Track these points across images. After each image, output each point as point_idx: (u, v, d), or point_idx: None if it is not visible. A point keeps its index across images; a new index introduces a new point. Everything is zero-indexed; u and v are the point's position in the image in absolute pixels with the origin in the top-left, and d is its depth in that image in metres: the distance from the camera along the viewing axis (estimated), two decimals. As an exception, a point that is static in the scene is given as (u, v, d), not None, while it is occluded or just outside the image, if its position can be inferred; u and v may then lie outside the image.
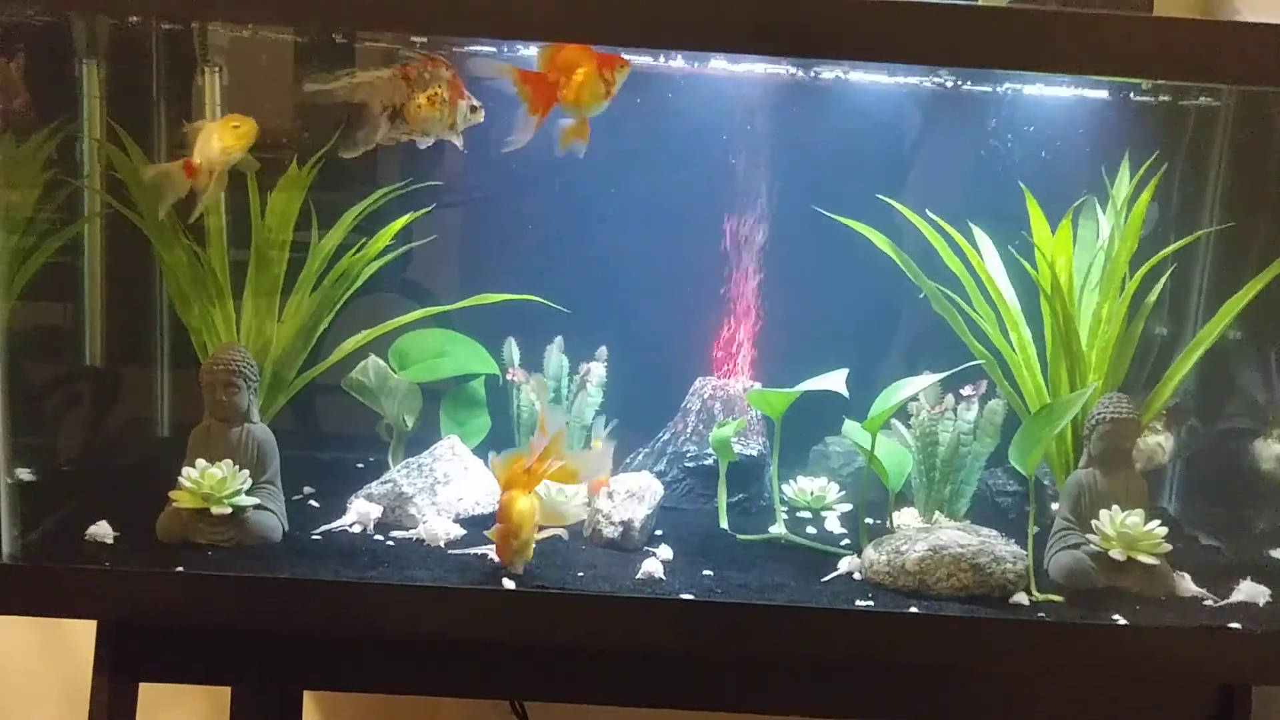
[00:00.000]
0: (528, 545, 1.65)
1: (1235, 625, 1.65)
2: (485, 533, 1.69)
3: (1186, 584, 1.73)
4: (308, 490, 1.92)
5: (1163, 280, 1.85)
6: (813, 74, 1.93)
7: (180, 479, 1.70)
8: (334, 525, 1.80)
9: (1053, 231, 1.80)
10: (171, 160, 1.72)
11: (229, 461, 1.72)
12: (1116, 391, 1.81)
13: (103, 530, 1.70)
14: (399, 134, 1.70)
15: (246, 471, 1.72)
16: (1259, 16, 1.94)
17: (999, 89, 1.98)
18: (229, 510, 1.69)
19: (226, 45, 1.97)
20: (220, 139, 1.70)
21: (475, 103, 1.71)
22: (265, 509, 1.73)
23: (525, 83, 1.64)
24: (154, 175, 1.74)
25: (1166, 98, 1.94)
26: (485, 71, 1.65)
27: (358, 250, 1.92)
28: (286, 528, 1.76)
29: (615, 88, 1.66)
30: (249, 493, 1.72)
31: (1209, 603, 1.71)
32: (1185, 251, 1.91)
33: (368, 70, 1.69)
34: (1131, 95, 1.93)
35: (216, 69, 1.98)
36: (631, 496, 1.81)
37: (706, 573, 1.71)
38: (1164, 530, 1.71)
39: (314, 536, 1.76)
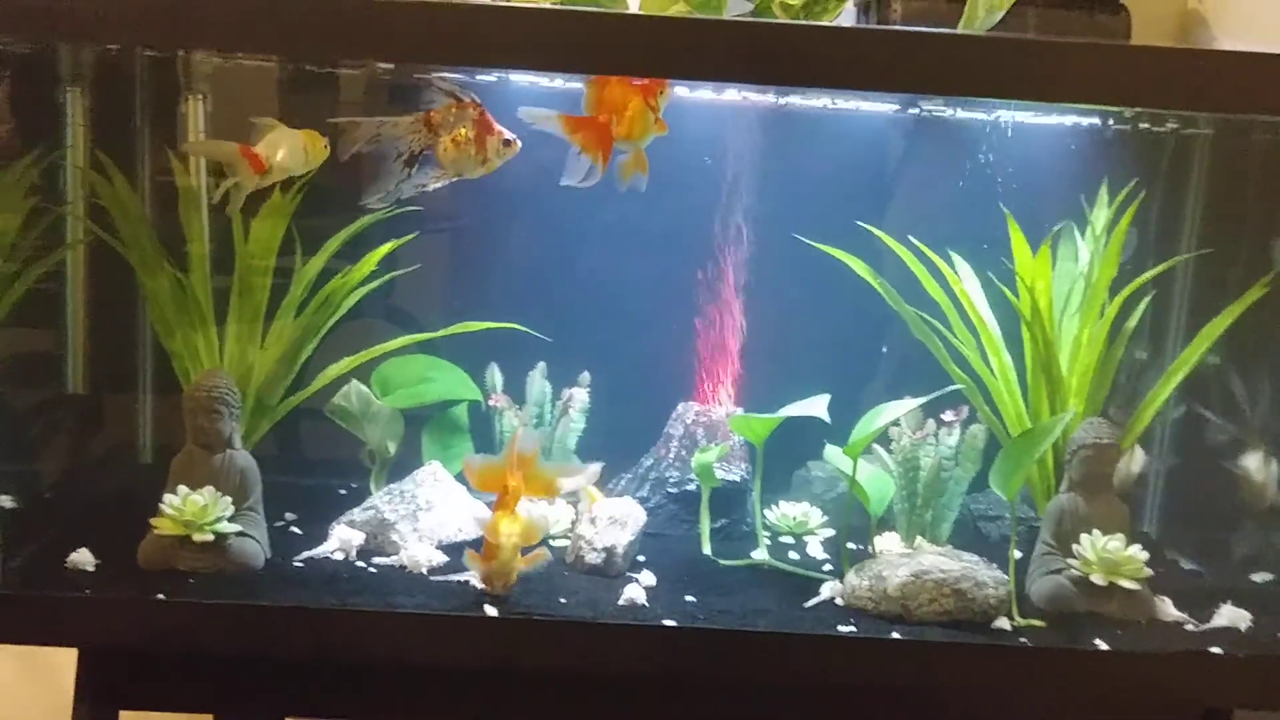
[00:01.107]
0: (508, 566, 1.66)
1: (1216, 650, 1.65)
2: (465, 559, 1.69)
3: (1168, 608, 1.74)
4: (290, 517, 1.91)
5: (1143, 305, 1.86)
6: (793, 101, 1.94)
7: (162, 506, 1.70)
8: (316, 552, 1.79)
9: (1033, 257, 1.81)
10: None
11: (211, 488, 1.72)
12: (1097, 416, 1.82)
13: (84, 558, 1.69)
14: (431, 179, 1.70)
15: (229, 498, 1.72)
16: (1237, 45, 1.97)
17: (979, 116, 2.00)
18: (211, 537, 1.68)
19: (211, 73, 1.98)
20: (309, 151, 1.72)
21: (509, 136, 1.68)
22: (247, 536, 1.73)
23: (580, 129, 1.64)
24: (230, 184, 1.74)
25: (1146, 125, 1.96)
26: (536, 122, 1.64)
27: (342, 277, 1.92)
28: (269, 554, 1.75)
29: (660, 113, 1.67)
30: (231, 520, 1.71)
31: (1190, 627, 1.71)
32: (1166, 276, 1.93)
33: (392, 116, 1.68)
34: (1111, 123, 1.94)
35: (200, 97, 1.98)
36: (614, 523, 1.81)
37: (689, 599, 1.71)
38: (1145, 555, 1.72)
39: (296, 563, 1.76)
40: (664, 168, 1.88)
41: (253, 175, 1.70)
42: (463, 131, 1.67)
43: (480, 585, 1.67)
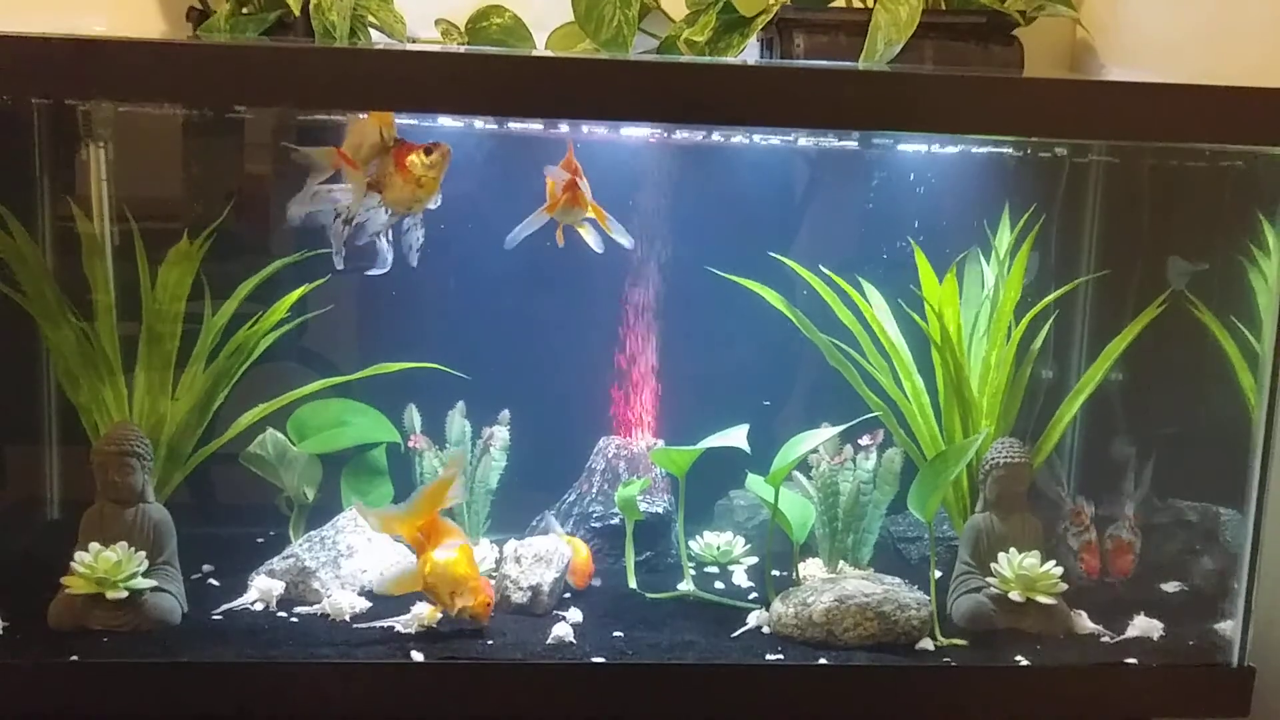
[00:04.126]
0: (475, 594, 1.66)
1: (1131, 660, 1.70)
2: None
3: (1083, 621, 1.78)
4: (207, 569, 1.87)
5: (1046, 326, 1.91)
6: (703, 135, 1.96)
7: (73, 564, 1.66)
8: (235, 604, 1.76)
9: (940, 283, 1.85)
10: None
11: (124, 544, 1.68)
12: (1008, 436, 1.86)
13: (-9, 621, 1.64)
14: (384, 224, 1.72)
15: (143, 553, 1.68)
16: (1125, 75, 2.04)
17: (883, 146, 2.04)
18: (125, 594, 1.64)
19: (113, 118, 1.94)
20: (383, 132, 1.68)
21: (427, 145, 1.67)
22: (163, 591, 1.69)
23: (567, 190, 1.77)
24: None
25: (1043, 153, 2.01)
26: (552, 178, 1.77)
27: (253, 323, 1.89)
28: (186, 609, 1.72)
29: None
30: (146, 575, 1.68)
31: (1106, 639, 1.76)
32: (1069, 297, 1.98)
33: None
34: (1010, 150, 2.00)
35: (101, 144, 1.94)
36: (539, 560, 1.80)
37: (617, 634, 1.71)
38: (1060, 570, 1.76)
39: (215, 617, 1.73)
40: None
41: (356, 173, 1.68)
42: (388, 172, 1.67)
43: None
